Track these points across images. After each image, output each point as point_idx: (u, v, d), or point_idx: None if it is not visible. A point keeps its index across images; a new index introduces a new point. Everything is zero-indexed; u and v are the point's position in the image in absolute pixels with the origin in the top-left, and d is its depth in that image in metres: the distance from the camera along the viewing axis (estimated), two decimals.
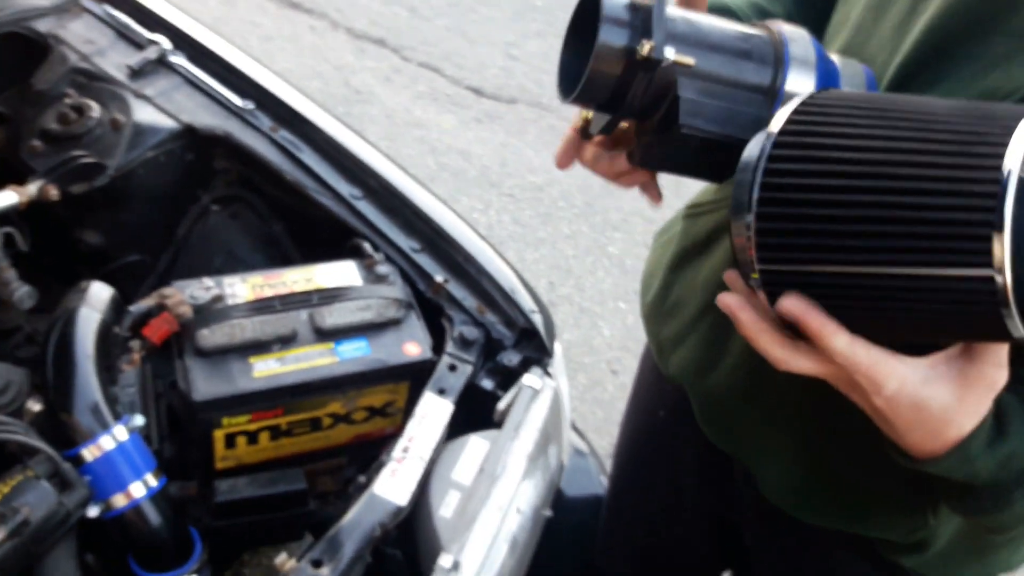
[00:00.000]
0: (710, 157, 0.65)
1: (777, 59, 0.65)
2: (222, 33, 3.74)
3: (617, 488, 1.23)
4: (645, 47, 0.61)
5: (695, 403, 0.94)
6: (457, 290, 1.13)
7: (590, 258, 2.76)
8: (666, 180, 0.75)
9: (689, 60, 0.63)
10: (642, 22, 0.63)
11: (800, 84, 0.64)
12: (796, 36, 0.66)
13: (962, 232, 0.48)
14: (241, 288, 1.06)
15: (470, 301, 1.12)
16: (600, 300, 2.60)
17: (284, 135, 1.26)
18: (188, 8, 3.80)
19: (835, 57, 0.68)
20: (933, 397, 0.55)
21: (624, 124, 0.71)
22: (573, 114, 0.75)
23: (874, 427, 0.71)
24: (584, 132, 0.72)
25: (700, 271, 0.91)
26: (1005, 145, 0.47)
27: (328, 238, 1.21)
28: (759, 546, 0.97)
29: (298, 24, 3.64)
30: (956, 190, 0.48)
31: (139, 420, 0.94)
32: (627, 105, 0.65)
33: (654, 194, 0.77)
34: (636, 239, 2.84)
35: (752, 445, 0.88)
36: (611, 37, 0.63)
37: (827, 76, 0.65)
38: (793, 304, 0.54)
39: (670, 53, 0.62)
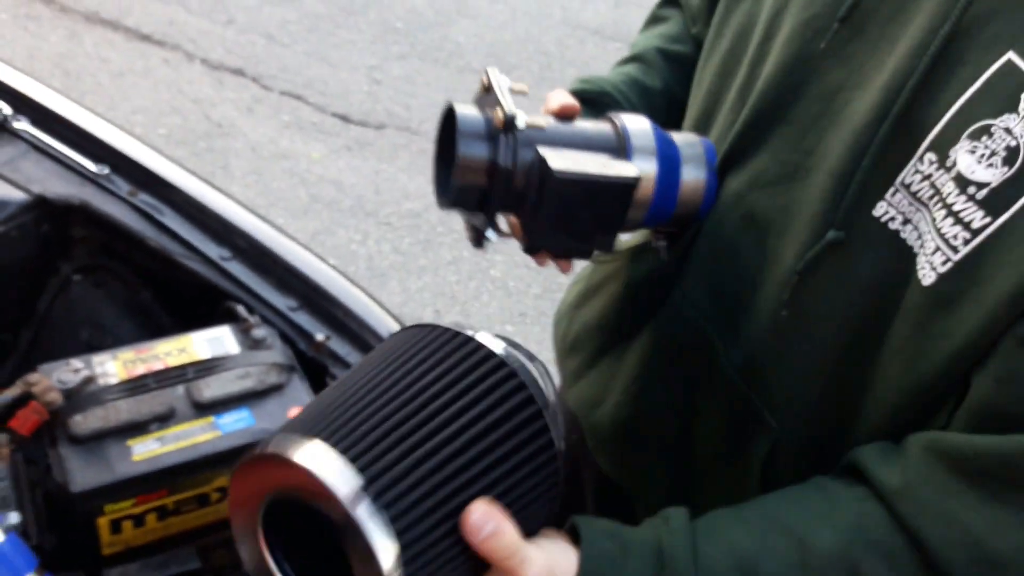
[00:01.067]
0: (588, 212, 0.69)
1: (621, 149, 0.72)
2: (68, 70, 3.56)
3: None
4: (499, 113, 0.67)
5: (588, 434, 0.98)
6: (340, 346, 1.13)
7: (473, 283, 2.78)
8: None
9: (541, 121, 0.69)
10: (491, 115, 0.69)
11: (644, 166, 0.72)
12: (636, 127, 0.74)
13: None
14: (112, 366, 1.02)
15: (355, 357, 1.12)
16: (487, 325, 2.63)
17: (144, 199, 1.22)
18: (30, 46, 3.59)
19: (677, 136, 0.75)
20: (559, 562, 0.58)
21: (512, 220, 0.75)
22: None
23: (734, 461, 0.75)
24: (476, 241, 0.75)
25: (593, 312, 0.96)
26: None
27: (200, 302, 1.18)
28: None
29: (150, 58, 3.52)
30: None
31: (14, 518, 0.90)
32: (502, 189, 0.69)
33: (564, 265, 0.80)
34: (517, 260, 2.87)
35: (633, 474, 0.93)
36: (471, 149, 0.68)
37: (667, 157, 0.73)
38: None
39: (521, 120, 0.67)
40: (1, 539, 0.87)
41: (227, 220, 1.21)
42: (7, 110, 1.28)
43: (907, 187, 0.63)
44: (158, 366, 1.03)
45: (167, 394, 1.00)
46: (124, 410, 0.97)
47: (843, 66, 0.67)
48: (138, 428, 0.97)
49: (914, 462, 0.61)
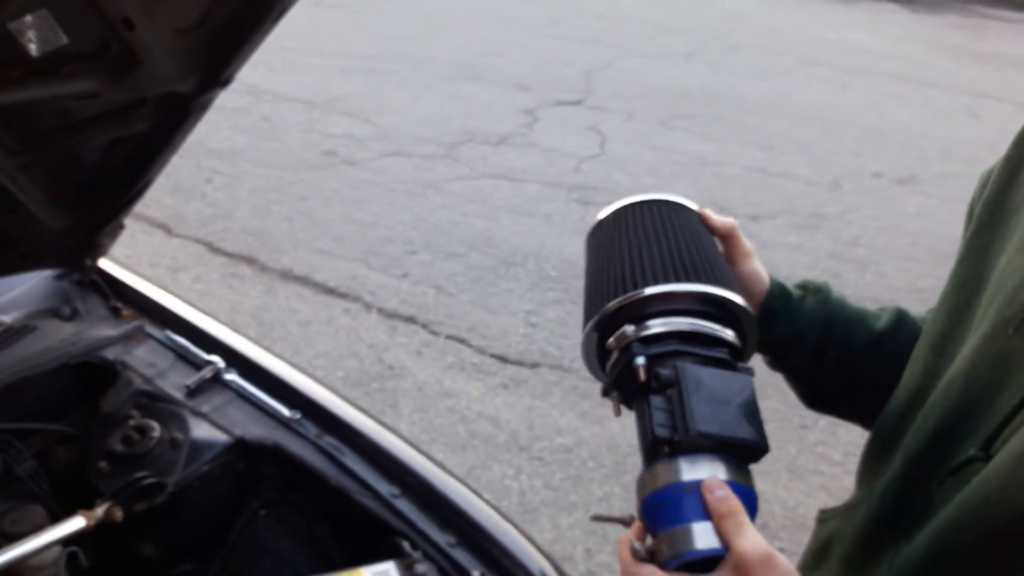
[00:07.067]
0: None
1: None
2: (263, 321, 3.96)
3: None
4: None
5: None
6: None
7: None
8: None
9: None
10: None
11: None
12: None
13: None
14: None
15: None
16: None
17: (328, 441, 1.37)
18: (232, 300, 4.04)
19: None
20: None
21: None
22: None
23: None
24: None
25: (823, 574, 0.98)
26: None
27: (369, 536, 1.28)
28: None
29: (333, 308, 3.92)
30: None
31: None
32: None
33: None
34: None
35: None
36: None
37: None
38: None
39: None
40: None
41: (399, 459, 1.34)
42: (221, 363, 1.49)
43: None
44: None
45: None
46: None
47: None
48: None
49: None
